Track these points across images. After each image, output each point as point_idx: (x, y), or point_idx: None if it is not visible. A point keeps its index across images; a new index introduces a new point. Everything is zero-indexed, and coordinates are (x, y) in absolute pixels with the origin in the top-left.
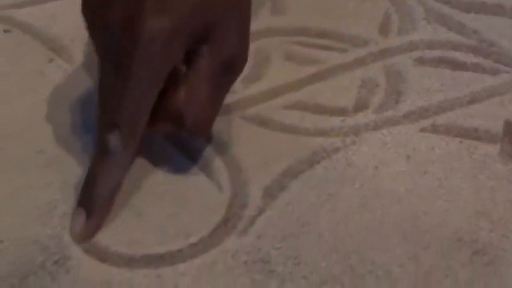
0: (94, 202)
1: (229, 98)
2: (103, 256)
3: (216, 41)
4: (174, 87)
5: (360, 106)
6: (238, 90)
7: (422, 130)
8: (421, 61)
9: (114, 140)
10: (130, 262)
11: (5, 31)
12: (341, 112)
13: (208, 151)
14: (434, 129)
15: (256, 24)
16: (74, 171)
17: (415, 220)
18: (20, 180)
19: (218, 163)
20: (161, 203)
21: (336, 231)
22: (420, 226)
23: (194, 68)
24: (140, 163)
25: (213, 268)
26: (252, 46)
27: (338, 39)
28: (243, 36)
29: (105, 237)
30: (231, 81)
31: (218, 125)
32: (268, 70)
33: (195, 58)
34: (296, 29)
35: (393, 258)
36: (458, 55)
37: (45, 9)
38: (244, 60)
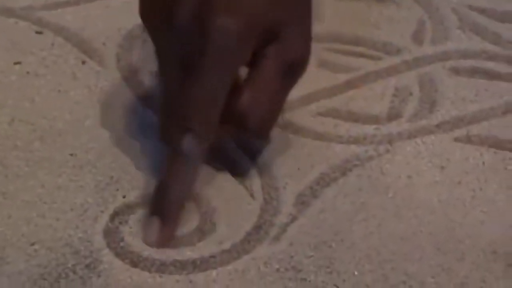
0: (168, 209)
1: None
2: (134, 260)
3: (281, 42)
4: (237, 89)
5: (394, 115)
6: None
7: (456, 140)
8: (455, 71)
9: (188, 144)
10: (161, 267)
11: (37, 32)
12: (375, 120)
13: (241, 158)
14: (469, 139)
15: None
16: (107, 174)
17: (450, 231)
18: (53, 183)
19: (250, 170)
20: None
21: (369, 240)
22: (455, 237)
23: (259, 69)
24: None
25: (245, 275)
26: None
27: (372, 47)
28: (307, 38)
29: (137, 242)
30: (294, 83)
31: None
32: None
33: (259, 59)
34: (330, 36)
35: (427, 269)
36: (493, 65)
37: (77, 11)
38: (307, 61)
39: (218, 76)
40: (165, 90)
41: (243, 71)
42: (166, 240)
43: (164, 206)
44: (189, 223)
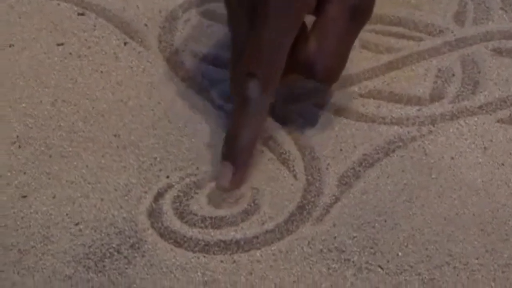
0: (239, 154)
1: (304, 86)
2: (178, 241)
3: None
4: (304, 37)
5: (436, 96)
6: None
7: (499, 121)
8: (498, 51)
9: (254, 89)
10: (205, 247)
11: (79, 14)
12: (417, 101)
13: (284, 139)
14: None
15: None
16: (150, 155)
17: (493, 212)
18: (96, 163)
19: (293, 151)
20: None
21: (412, 221)
22: (499, 218)
23: (323, 15)
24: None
25: (289, 255)
26: None
27: (414, 28)
28: None
29: (180, 222)
30: (359, 27)
31: (294, 113)
32: None
33: (323, 5)
34: (372, 17)
35: (471, 250)
36: None
37: None
38: (371, 5)
39: (281, 22)
40: (233, 41)
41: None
42: (238, 183)
43: (234, 152)
44: (237, 206)
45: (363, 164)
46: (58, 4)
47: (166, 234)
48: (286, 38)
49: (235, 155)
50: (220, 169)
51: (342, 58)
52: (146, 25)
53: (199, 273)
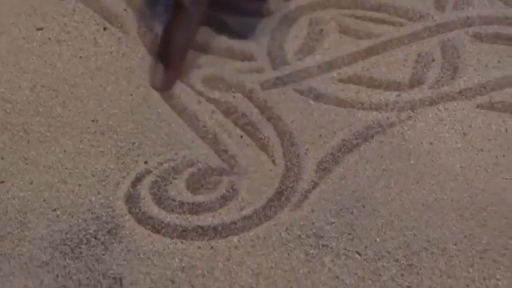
0: (171, 55)
1: (284, 70)
2: (156, 226)
3: None
4: None
5: (416, 81)
6: (292, 62)
7: (479, 106)
8: (478, 37)
9: None
10: (183, 233)
11: None
12: (397, 86)
13: (263, 124)
14: (491, 106)
15: None
16: (128, 140)
17: (472, 197)
18: (74, 148)
19: (272, 137)
20: None
21: (391, 207)
22: (477, 204)
23: None
24: None
25: (267, 241)
26: (307, 19)
27: (394, 13)
28: None
29: (158, 208)
30: None
31: (273, 98)
32: (322, 43)
33: None
34: (351, 2)
35: (449, 236)
36: None
37: None
38: None
39: None
40: None
41: None
42: (170, 83)
43: (168, 53)
44: (215, 191)
45: (342, 149)
46: None
47: (143, 219)
48: None
49: (168, 56)
50: (153, 69)
51: None
52: (125, 9)
53: (176, 259)
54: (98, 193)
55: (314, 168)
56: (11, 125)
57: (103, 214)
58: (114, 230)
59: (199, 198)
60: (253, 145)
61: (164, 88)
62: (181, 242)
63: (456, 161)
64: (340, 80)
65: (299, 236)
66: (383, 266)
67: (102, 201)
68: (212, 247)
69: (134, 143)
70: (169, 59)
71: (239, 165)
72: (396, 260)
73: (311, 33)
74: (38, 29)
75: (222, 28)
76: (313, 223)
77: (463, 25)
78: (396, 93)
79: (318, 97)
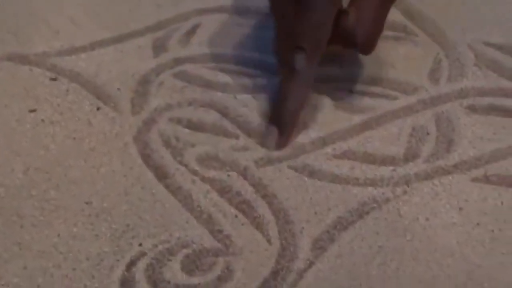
0: (285, 118)
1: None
2: None
3: None
4: (343, 12)
5: (411, 155)
6: None
7: (474, 180)
8: (472, 109)
9: (300, 60)
10: None
11: (51, 79)
12: (391, 161)
13: (258, 202)
14: (487, 179)
15: None
16: (122, 222)
17: (469, 273)
18: (68, 232)
19: (267, 215)
20: None
21: (387, 285)
22: (474, 280)
23: None
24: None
25: None
26: None
27: (388, 86)
28: None
29: None
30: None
31: (268, 175)
32: (317, 118)
33: None
34: (345, 76)
35: None
36: (510, 102)
37: (91, 57)
38: None
39: (325, 5)
40: (279, 23)
41: None
42: (283, 145)
43: (281, 116)
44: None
45: (338, 227)
46: (31, 70)
47: None
48: (330, 16)
49: (281, 119)
50: (265, 132)
51: (378, 28)
52: (119, 89)
53: None
54: (93, 277)
55: (310, 247)
56: (4, 209)
57: None
58: None
59: (194, 280)
60: (248, 224)
61: (277, 149)
62: None
63: (453, 236)
64: (335, 156)
65: None
66: None
67: (96, 285)
68: None
69: (128, 225)
70: (283, 123)
71: (234, 245)
72: None
73: (306, 108)
74: (31, 111)
75: None
76: None
77: (457, 97)
78: (391, 168)
79: (312, 173)
